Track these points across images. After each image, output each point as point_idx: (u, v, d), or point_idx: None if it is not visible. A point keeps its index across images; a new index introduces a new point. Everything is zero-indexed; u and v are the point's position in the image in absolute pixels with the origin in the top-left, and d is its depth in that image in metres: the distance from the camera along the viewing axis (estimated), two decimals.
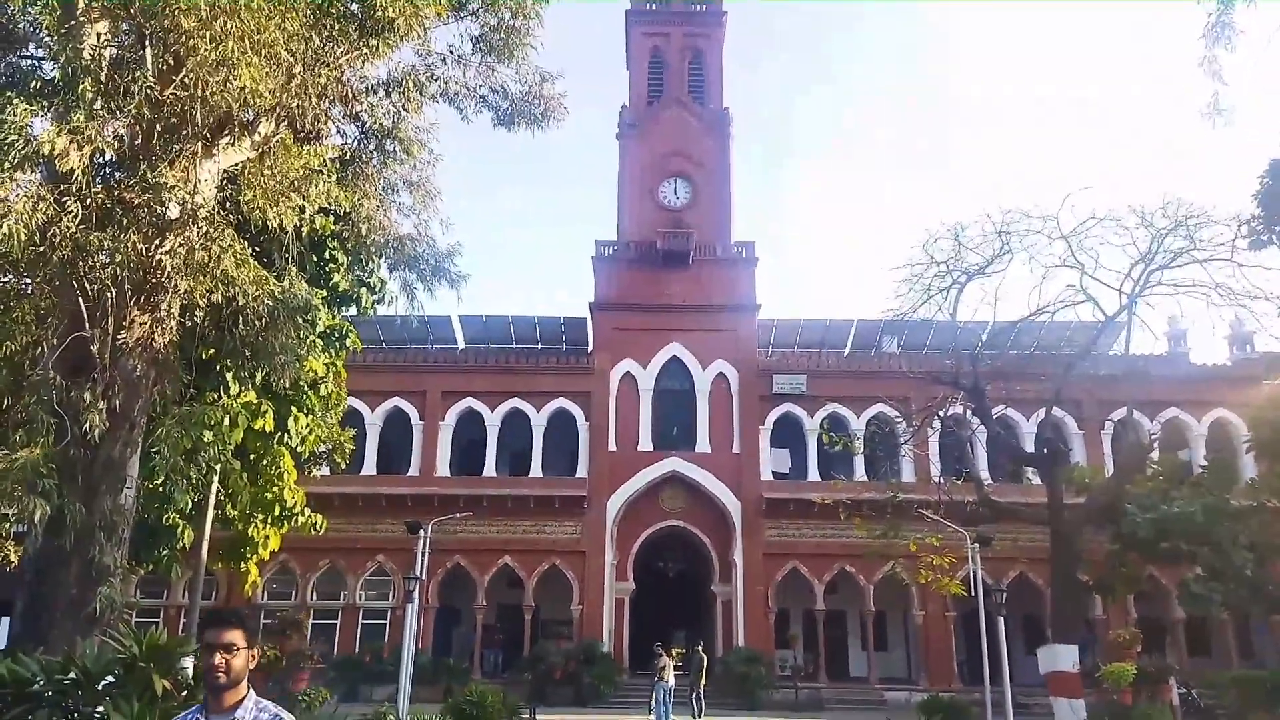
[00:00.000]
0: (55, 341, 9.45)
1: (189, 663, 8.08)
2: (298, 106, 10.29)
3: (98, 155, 9.69)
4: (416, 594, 15.19)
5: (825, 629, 30.23)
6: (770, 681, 28.06)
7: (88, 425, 8.95)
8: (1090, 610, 28.02)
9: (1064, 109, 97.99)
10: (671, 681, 22.08)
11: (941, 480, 23.35)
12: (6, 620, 11.30)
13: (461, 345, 36.17)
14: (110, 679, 7.01)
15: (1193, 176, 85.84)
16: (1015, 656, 22.44)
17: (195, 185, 9.69)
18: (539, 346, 36.34)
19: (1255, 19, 10.34)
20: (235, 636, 3.68)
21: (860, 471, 30.63)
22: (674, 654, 22.90)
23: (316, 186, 10.56)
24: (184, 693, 7.21)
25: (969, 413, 23.06)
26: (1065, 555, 19.74)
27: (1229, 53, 10.28)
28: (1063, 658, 18.58)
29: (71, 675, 6.99)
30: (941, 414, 23.66)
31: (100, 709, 6.78)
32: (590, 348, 33.67)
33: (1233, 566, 19.30)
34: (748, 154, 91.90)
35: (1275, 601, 19.91)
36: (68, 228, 8.97)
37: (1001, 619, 14.54)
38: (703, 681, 23.26)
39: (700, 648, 24.44)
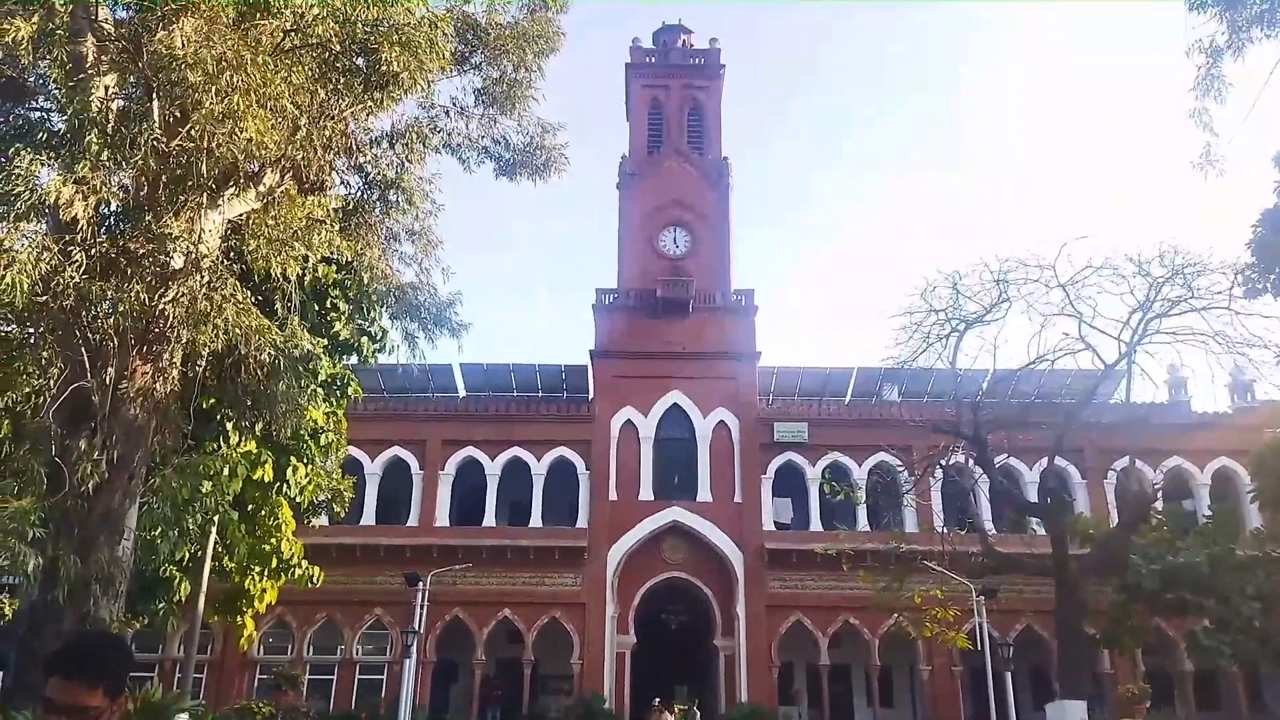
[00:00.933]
0: (55, 391, 9.43)
1: (184, 719, 7.93)
2: (302, 158, 10.41)
3: (103, 205, 9.79)
4: (414, 648, 14.97)
5: (830, 684, 29.70)
6: None
7: (83, 475, 8.88)
8: (1098, 664, 27.59)
9: (1060, 158, 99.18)
10: None
11: (945, 530, 23.17)
12: (0, 674, 11.12)
13: (462, 394, 36.12)
14: None
15: (1190, 223, 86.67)
16: (1023, 712, 22.07)
17: (200, 235, 9.76)
18: (540, 395, 36.28)
19: (1244, 72, 10.52)
20: (89, 698, 2.47)
21: (863, 521, 30.40)
22: (676, 711, 22.46)
23: (319, 236, 10.63)
24: None
25: (971, 462, 22.96)
26: (1071, 607, 19.49)
27: (1219, 105, 10.46)
28: (1071, 714, 18.24)
29: None
30: (943, 463, 23.54)
31: None
32: (591, 396, 33.62)
33: (1240, 617, 19.09)
34: (747, 203, 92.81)
35: None
36: (71, 277, 9.00)
37: (1009, 674, 14.28)
38: None
39: (696, 704, 23.97)
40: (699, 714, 23.56)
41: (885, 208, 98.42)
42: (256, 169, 10.54)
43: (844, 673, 31.37)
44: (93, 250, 9.43)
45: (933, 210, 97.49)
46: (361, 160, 12.08)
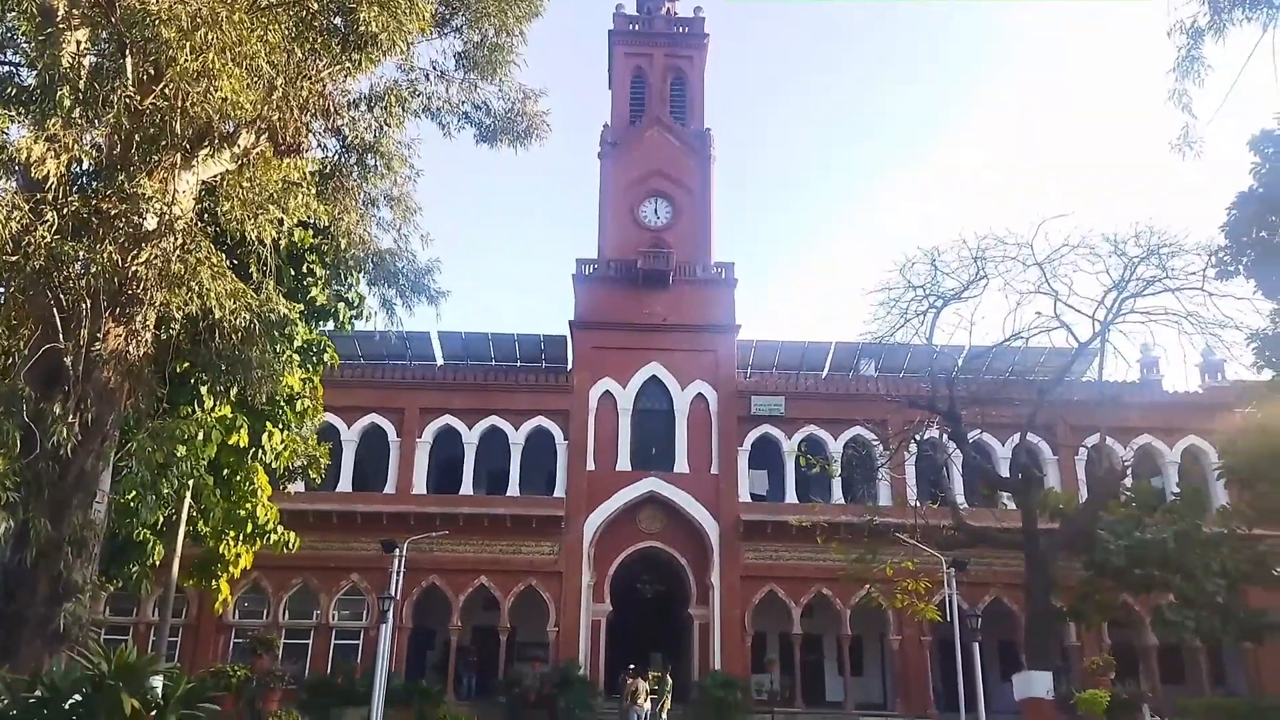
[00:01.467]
0: (27, 352, 9.31)
1: (158, 682, 7.93)
2: (279, 119, 10.26)
3: (75, 164, 9.61)
4: (391, 614, 15.01)
5: (802, 653, 30.12)
6: (747, 706, 27.84)
7: (57, 438, 8.80)
8: (1065, 636, 28.12)
9: (1041, 140, 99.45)
10: (648, 706, 21.87)
11: (918, 504, 23.46)
12: None
13: (440, 362, 35.96)
14: (78, 697, 6.87)
15: (1167, 206, 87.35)
16: (990, 683, 22.49)
17: (173, 196, 9.62)
18: (518, 364, 36.19)
19: (1223, 55, 10.55)
20: None
21: (838, 494, 30.70)
22: (651, 678, 22.69)
23: (296, 199, 10.51)
24: (152, 712, 7.08)
25: (945, 437, 23.26)
26: (1040, 581, 19.86)
27: (1199, 87, 10.50)
28: (1037, 685, 18.65)
29: (38, 693, 6.85)
30: (918, 438, 23.82)
31: None
32: (569, 366, 33.60)
33: (1204, 594, 19.51)
34: (729, 175, 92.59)
35: (1246, 628, 20.11)
36: (43, 237, 8.86)
37: (977, 645, 14.53)
38: (667, 705, 23.05)
39: (668, 672, 24.19)
40: (671, 681, 23.79)
41: (867, 185, 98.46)
42: (231, 129, 10.39)
43: (816, 642, 31.81)
44: (64, 210, 9.27)
45: (914, 189, 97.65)
46: (339, 123, 11.92)
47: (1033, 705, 18.58)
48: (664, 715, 22.83)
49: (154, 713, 7.04)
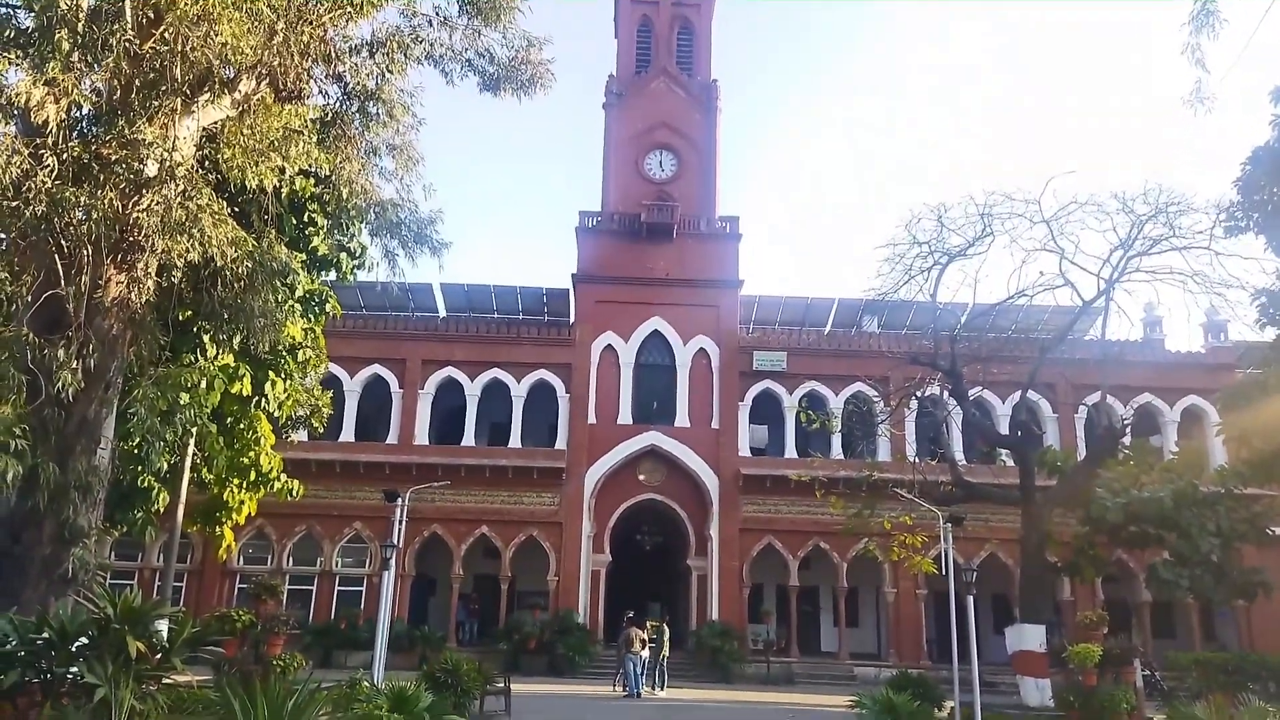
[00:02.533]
0: (29, 298, 9.30)
1: (163, 625, 8.07)
2: (279, 64, 10.13)
3: (74, 109, 9.52)
4: (393, 562, 15.17)
5: (798, 604, 30.54)
6: (742, 655, 28.35)
7: (61, 384, 8.83)
8: (1058, 592, 28.45)
9: (1051, 93, 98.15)
10: (645, 654, 22.24)
11: (916, 460, 23.59)
12: None
13: (442, 314, 35.95)
14: (84, 640, 6.98)
15: (1176, 167, 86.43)
16: (984, 635, 22.75)
17: (174, 142, 9.53)
18: (520, 317, 36.18)
19: (1240, 7, 10.37)
20: None
21: (837, 450, 30.87)
22: (649, 627, 23.03)
23: (297, 147, 10.41)
24: (158, 655, 7.20)
25: (946, 394, 23.29)
26: (1035, 537, 20.05)
27: (1212, 41, 10.32)
28: (1029, 638, 18.92)
29: (45, 635, 6.95)
30: (919, 394, 23.87)
31: (74, 669, 6.75)
32: (572, 320, 33.58)
33: (1199, 552, 19.65)
34: (734, 128, 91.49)
35: (1239, 586, 20.30)
36: (43, 182, 8.80)
37: (971, 598, 14.71)
38: (665, 653, 23.44)
39: (666, 621, 24.50)
40: (668, 630, 24.16)
41: (874, 140, 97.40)
42: (232, 75, 10.25)
43: (812, 594, 32.24)
44: (64, 155, 9.19)
45: (922, 145, 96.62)
46: (340, 69, 11.74)
47: (1024, 658, 18.87)
48: (663, 663, 23.19)
49: (159, 655, 7.15)
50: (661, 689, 22.79)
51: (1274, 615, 27.05)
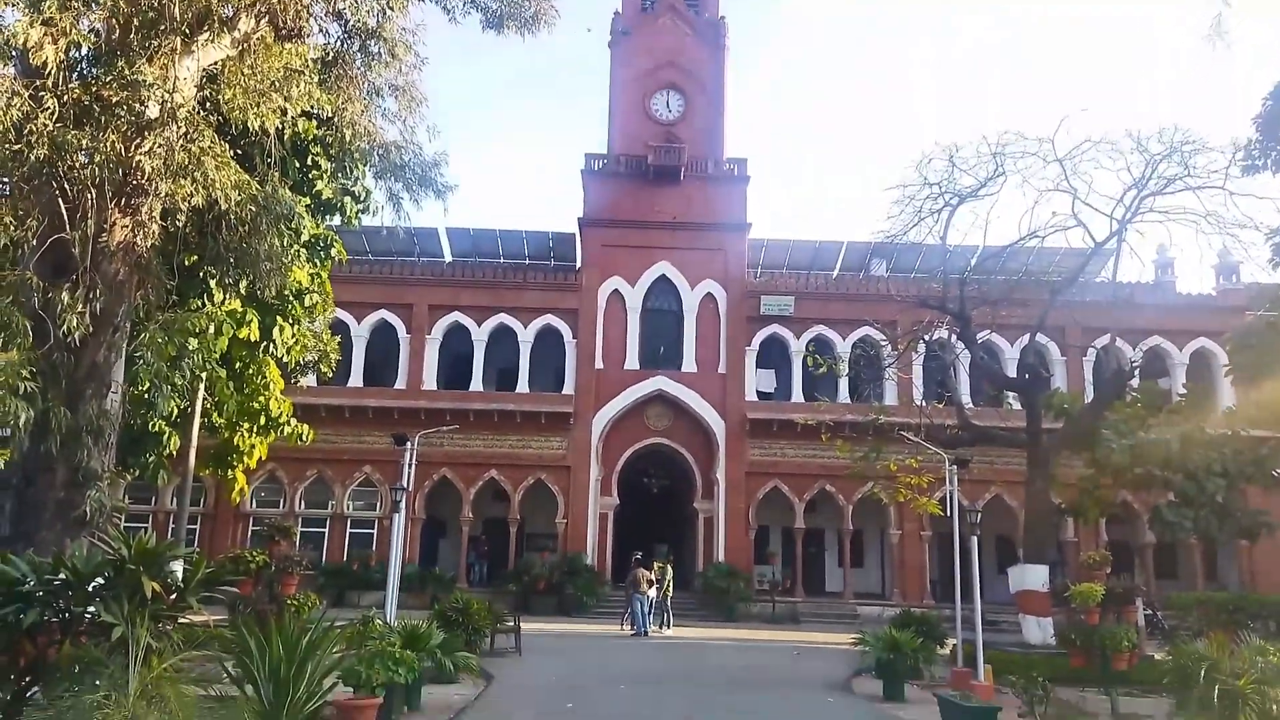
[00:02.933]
0: (35, 242, 9.28)
1: (178, 566, 8.17)
2: (279, 1, 9.93)
3: (73, 49, 9.38)
4: (403, 505, 15.33)
5: (804, 546, 30.88)
6: (748, 595, 28.77)
7: (68, 328, 8.85)
8: (1062, 532, 28.69)
9: (1070, 37, 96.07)
10: (653, 594, 22.63)
11: (923, 404, 23.61)
12: None
13: (448, 259, 35.81)
14: (100, 581, 7.07)
15: (1192, 108, 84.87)
16: (987, 575, 23.00)
17: (174, 83, 9.41)
18: (527, 262, 36.02)
19: None
20: None
21: (844, 394, 30.89)
22: (655, 568, 23.36)
23: (298, 87, 10.26)
24: (173, 595, 7.30)
25: (954, 337, 23.21)
26: (1040, 478, 20.13)
27: None
28: (1032, 577, 19.11)
29: (61, 576, 7.05)
30: (927, 338, 23.80)
31: (90, 609, 6.85)
32: (578, 265, 33.43)
33: (1204, 493, 19.74)
34: (742, 67, 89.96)
35: (1243, 527, 20.43)
36: (44, 125, 8.72)
37: (975, 539, 14.84)
38: (669, 593, 23.83)
39: (670, 562, 24.79)
40: (672, 572, 24.54)
41: (886, 80, 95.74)
42: (231, 13, 10.07)
43: (818, 536, 32.59)
44: (64, 97, 9.10)
45: (934, 85, 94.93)
46: (340, 6, 11.51)
47: (1027, 597, 19.09)
48: (667, 603, 23.61)
49: (174, 595, 7.25)
50: (667, 628, 23.21)
51: (1276, 556, 27.29)
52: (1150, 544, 29.04)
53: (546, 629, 22.35)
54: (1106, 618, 16.26)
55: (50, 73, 8.83)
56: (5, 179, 9.94)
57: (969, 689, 12.79)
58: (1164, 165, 19.24)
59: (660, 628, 23.00)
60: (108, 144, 9.03)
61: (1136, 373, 22.59)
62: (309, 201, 14.24)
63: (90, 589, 6.98)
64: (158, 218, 9.64)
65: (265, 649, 7.81)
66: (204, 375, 14.48)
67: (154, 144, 9.11)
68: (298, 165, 13.73)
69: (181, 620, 7.43)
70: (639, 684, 14.18)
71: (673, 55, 34.74)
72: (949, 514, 16.06)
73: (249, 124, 9.97)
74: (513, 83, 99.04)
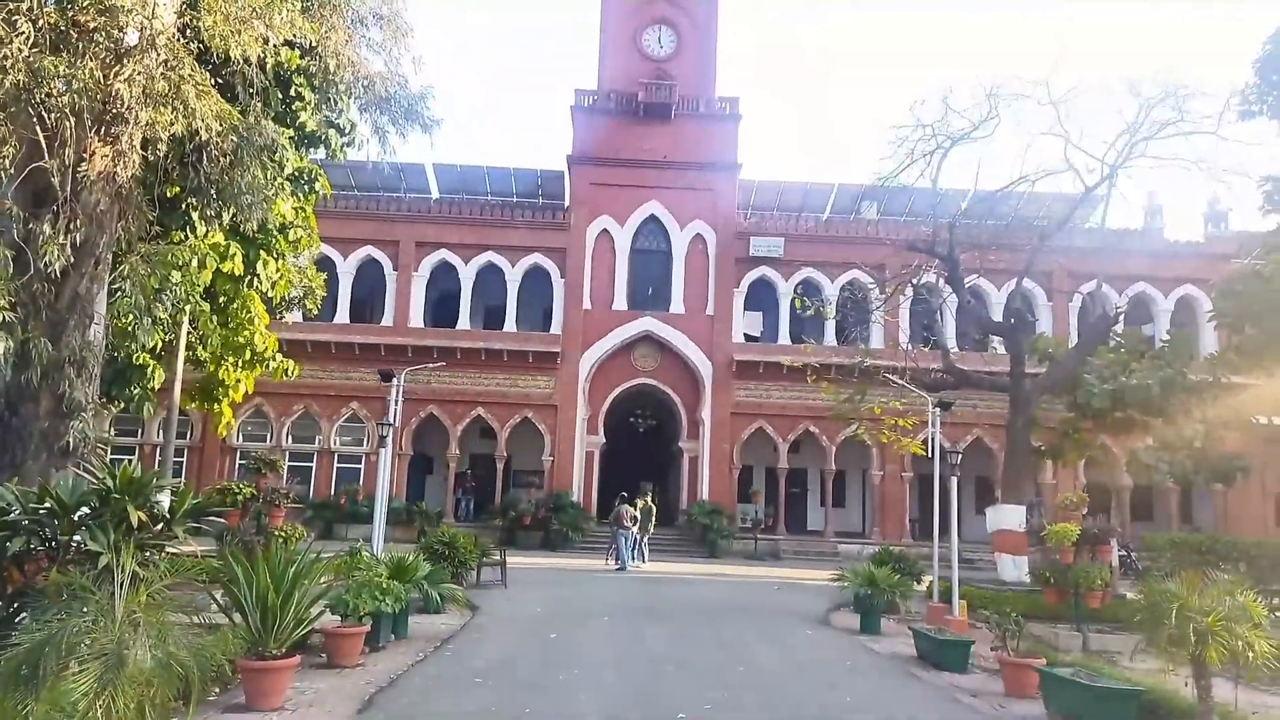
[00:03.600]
0: (13, 171, 9.14)
1: (164, 497, 8.24)
2: None
3: None
4: (390, 440, 15.42)
5: (787, 486, 31.29)
6: (731, 533, 29.22)
7: (49, 258, 8.78)
8: (1041, 474, 29.14)
9: None
10: (635, 530, 23.05)
11: (909, 347, 23.75)
12: None
13: (435, 195, 35.42)
14: (86, 510, 7.14)
15: (1190, 54, 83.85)
16: (965, 515, 23.42)
17: (153, 9, 9.19)
18: (515, 200, 35.68)
19: None
20: None
21: (830, 336, 30.97)
22: (639, 505, 23.68)
23: (280, 15, 10.03)
24: (159, 525, 7.38)
25: (941, 281, 23.26)
26: (1021, 421, 20.39)
27: None
28: (1009, 517, 19.46)
29: (47, 505, 7.11)
30: (915, 281, 23.84)
31: (77, 537, 6.93)
32: (567, 204, 33.15)
33: (1183, 438, 20.04)
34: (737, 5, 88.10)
35: (1219, 472, 20.78)
36: (19, 50, 8.52)
37: (955, 480, 15.07)
38: (650, 531, 24.22)
39: (649, 498, 25.12)
40: (655, 508, 24.91)
41: (881, 22, 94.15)
42: None
43: (800, 476, 33.01)
44: (40, 22, 8.87)
45: (930, 29, 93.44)
46: None
47: (1003, 536, 19.46)
48: (644, 540, 24.00)
49: (161, 525, 7.33)
50: (643, 562, 23.63)
51: (1250, 500, 27.84)
52: (1128, 487, 29.57)
53: (532, 563, 22.70)
54: (1081, 557, 16.60)
55: None
56: None
57: (943, 623, 13.13)
58: (1158, 110, 19.15)
59: (639, 562, 23.43)
60: (86, 71, 8.85)
61: (1121, 318, 22.73)
62: (292, 134, 13.98)
63: (76, 518, 7.05)
64: (138, 147, 9.48)
65: (253, 578, 7.94)
66: (187, 308, 14.39)
67: (133, 71, 8.93)
68: (280, 96, 13.44)
69: (169, 550, 7.53)
70: (622, 616, 14.48)
71: None
72: (930, 455, 16.28)
73: (230, 52, 9.76)
74: (503, 18, 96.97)
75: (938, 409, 16.44)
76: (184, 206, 12.00)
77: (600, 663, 10.59)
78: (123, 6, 8.96)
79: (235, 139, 9.95)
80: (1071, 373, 20.48)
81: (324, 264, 27.23)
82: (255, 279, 16.10)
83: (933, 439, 16.44)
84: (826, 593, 17.24)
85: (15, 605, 7.01)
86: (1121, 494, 30.04)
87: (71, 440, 9.33)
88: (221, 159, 10.08)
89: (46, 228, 8.90)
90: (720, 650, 11.77)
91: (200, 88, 9.39)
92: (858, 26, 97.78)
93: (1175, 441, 20.83)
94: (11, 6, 8.72)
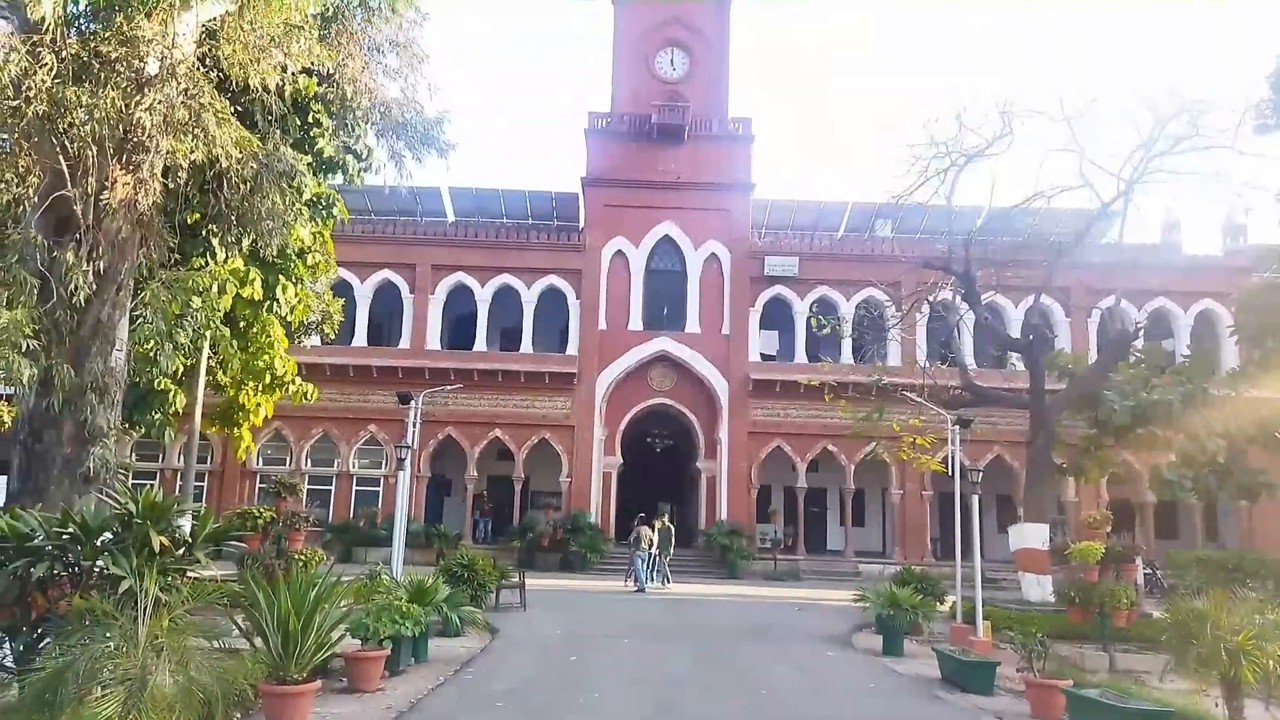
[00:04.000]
0: (37, 200, 9.27)
1: (185, 521, 8.28)
2: None
3: (71, 4, 9.30)
4: (408, 462, 15.45)
5: (805, 505, 31.10)
6: (750, 553, 29.03)
7: (72, 286, 8.88)
8: (1063, 492, 28.83)
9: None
10: (655, 552, 22.98)
11: (926, 365, 23.63)
12: (3, 479, 11.50)
13: (451, 219, 35.66)
14: (108, 535, 7.18)
15: (1205, 64, 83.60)
16: (987, 534, 23.21)
17: (174, 39, 9.33)
18: (530, 222, 35.86)
19: None
20: None
21: (847, 354, 30.89)
22: (656, 527, 23.59)
23: (298, 43, 10.17)
24: (180, 550, 7.41)
25: (958, 298, 23.15)
26: (1042, 437, 20.20)
27: None
28: (1032, 536, 19.26)
29: (70, 530, 7.15)
30: (931, 299, 23.75)
31: (99, 562, 6.96)
32: (581, 225, 33.28)
33: (1205, 454, 19.78)
34: (747, 24, 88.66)
35: (1243, 487, 20.49)
36: (43, 81, 8.67)
37: (976, 498, 14.92)
38: (669, 552, 24.10)
39: (668, 519, 24.98)
40: (673, 528, 24.82)
41: (893, 40, 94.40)
42: None
43: (819, 495, 32.80)
44: (63, 53, 9.03)
45: (943, 47, 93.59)
46: None
47: (1027, 555, 19.25)
48: (666, 562, 23.89)
49: (182, 549, 7.36)
50: (666, 584, 23.50)
51: (1276, 516, 27.43)
52: (1151, 504, 29.20)
53: (550, 585, 22.61)
54: (1106, 576, 16.41)
55: (48, 28, 8.77)
56: (4, 135, 9.90)
57: (968, 644, 12.96)
58: (1172, 124, 19.06)
59: (661, 584, 23.31)
60: (107, 100, 8.99)
61: (1141, 334, 22.54)
62: (310, 159, 14.14)
63: (99, 543, 7.09)
64: (159, 175, 9.61)
65: (273, 602, 7.94)
66: (208, 333, 14.52)
67: (154, 100, 9.06)
68: (299, 123, 13.62)
69: (190, 574, 7.55)
70: (642, 638, 14.39)
71: (678, 11, 34.20)
72: (951, 473, 16.14)
73: (249, 80, 9.90)
74: (517, 41, 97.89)
75: (957, 426, 16.32)
76: (204, 233, 12.15)
77: (620, 686, 10.52)
78: (143, 37, 9.11)
79: (255, 166, 10.07)
80: (1092, 389, 20.31)
81: (342, 287, 27.43)
82: (274, 304, 16.25)
83: (953, 457, 16.30)
84: (848, 614, 17.08)
85: (39, 630, 7.04)
86: (1145, 511, 29.68)
87: (93, 466, 9.40)
88: (241, 185, 10.20)
89: (70, 255, 9.01)
90: (741, 673, 11.68)
91: (220, 116, 9.52)
92: (857, 27, 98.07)
93: (1198, 457, 20.55)
94: (35, 39, 8.89)
